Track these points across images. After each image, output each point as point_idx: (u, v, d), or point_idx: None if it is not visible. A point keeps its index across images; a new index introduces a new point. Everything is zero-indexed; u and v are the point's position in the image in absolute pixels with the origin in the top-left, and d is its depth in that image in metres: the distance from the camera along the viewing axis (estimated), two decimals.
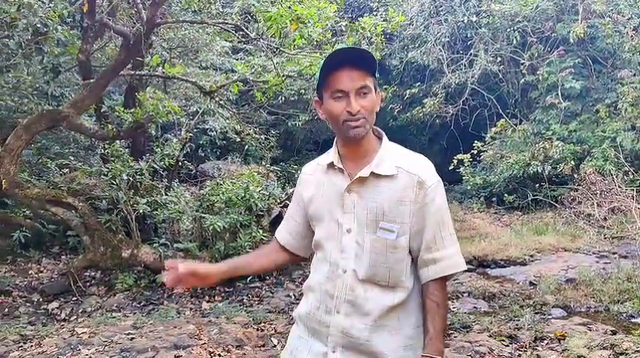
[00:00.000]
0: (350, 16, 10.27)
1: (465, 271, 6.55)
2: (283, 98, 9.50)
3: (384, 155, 1.54)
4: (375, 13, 9.78)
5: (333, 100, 1.50)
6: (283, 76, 6.28)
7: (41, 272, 5.89)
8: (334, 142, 1.62)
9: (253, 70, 6.64)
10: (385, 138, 1.60)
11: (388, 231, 1.49)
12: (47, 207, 5.41)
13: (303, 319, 1.62)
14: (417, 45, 11.22)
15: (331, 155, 1.61)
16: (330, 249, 1.57)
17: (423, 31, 11.14)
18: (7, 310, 4.90)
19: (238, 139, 8.97)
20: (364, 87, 1.47)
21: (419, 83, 11.66)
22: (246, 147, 9.39)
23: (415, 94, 11.28)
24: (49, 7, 5.46)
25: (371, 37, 5.85)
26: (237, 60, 8.17)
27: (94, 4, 5.27)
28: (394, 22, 6.27)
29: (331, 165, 1.60)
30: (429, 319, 1.48)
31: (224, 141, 9.51)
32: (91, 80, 5.72)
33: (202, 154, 10.03)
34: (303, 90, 9.68)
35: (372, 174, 1.52)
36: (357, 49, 1.51)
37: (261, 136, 9.03)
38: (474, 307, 5.32)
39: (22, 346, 3.90)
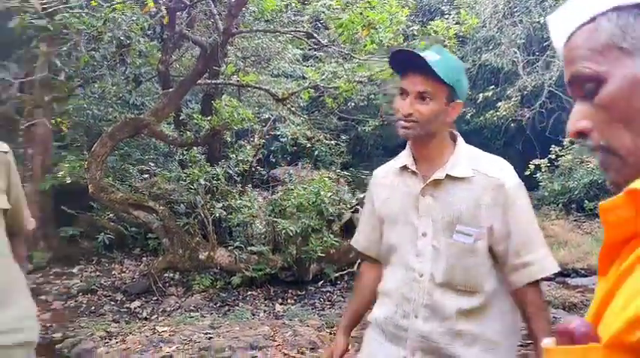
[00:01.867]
0: (421, 19, 10.17)
1: (544, 280, 6.35)
2: (353, 103, 9.53)
3: (460, 157, 1.52)
4: (446, 16, 9.65)
5: (399, 96, 1.51)
6: (354, 81, 6.32)
7: (124, 272, 6.19)
8: (407, 145, 1.62)
9: (324, 77, 6.72)
10: (461, 140, 1.58)
11: (465, 234, 1.47)
12: (130, 211, 5.68)
13: (379, 323, 1.62)
14: (490, 47, 10.96)
15: (404, 158, 1.60)
16: (405, 252, 1.56)
17: (497, 32, 10.87)
18: (93, 308, 5.18)
19: (309, 145, 9.08)
20: (425, 92, 1.45)
21: (493, 86, 11.36)
22: (316, 152, 9.48)
23: (489, 98, 11.01)
24: (132, 20, 5.76)
25: (443, 41, 5.77)
26: (307, 67, 8.30)
27: (175, 16, 5.50)
28: (467, 24, 6.16)
29: (404, 168, 1.59)
30: (533, 327, 1.44)
31: (294, 147, 9.65)
32: (170, 89, 5.98)
33: (273, 160, 10.23)
34: (373, 96, 9.68)
35: (447, 176, 1.50)
36: (429, 56, 1.46)
37: (332, 142, 9.10)
38: (554, 317, 5.11)
39: (107, 342, 4.12)
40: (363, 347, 1.69)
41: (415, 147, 1.57)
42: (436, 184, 1.51)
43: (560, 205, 10.00)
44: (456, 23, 6.48)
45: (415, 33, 5.93)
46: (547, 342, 0.61)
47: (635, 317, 0.53)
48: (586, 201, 9.49)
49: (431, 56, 1.46)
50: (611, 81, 0.64)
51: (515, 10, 10.85)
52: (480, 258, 1.47)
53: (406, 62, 1.49)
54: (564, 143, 10.11)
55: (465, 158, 1.52)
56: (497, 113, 10.87)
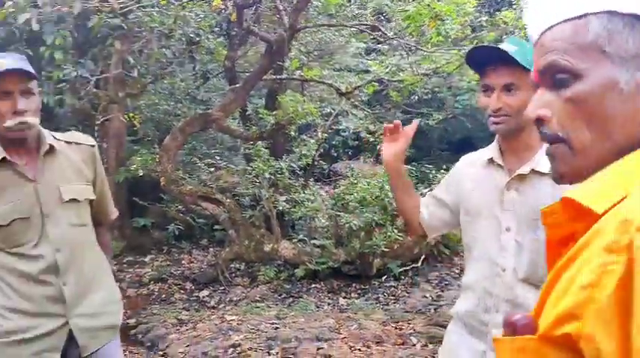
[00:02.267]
0: (488, 10, 9.91)
1: None
2: (417, 97, 9.42)
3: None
4: (514, 6, 9.36)
5: (483, 94, 1.51)
6: (419, 74, 6.24)
7: (192, 262, 6.39)
8: (495, 138, 1.60)
9: (388, 70, 6.67)
10: None
11: None
12: (198, 203, 5.86)
13: (461, 317, 1.62)
14: None
15: (492, 150, 1.59)
16: (488, 246, 1.54)
17: None
18: (164, 296, 5.38)
19: (371, 139, 9.05)
20: (511, 84, 1.44)
21: None
22: (379, 146, 9.43)
23: None
24: (201, 17, 5.91)
25: (513, 32, 5.61)
26: (370, 60, 8.26)
27: (242, 13, 5.61)
28: None
29: (491, 161, 1.57)
30: None
31: (356, 142, 9.64)
32: (237, 85, 6.10)
33: (335, 154, 10.25)
34: (437, 88, 9.52)
35: (533, 171, 1.47)
36: (506, 47, 1.46)
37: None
38: None
39: (179, 329, 4.27)
40: (445, 340, 1.69)
41: (504, 141, 1.57)
42: (521, 178, 1.49)
43: None
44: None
45: (483, 24, 5.79)
46: (496, 333, 0.68)
47: (562, 314, 0.59)
48: None
49: (508, 47, 1.45)
50: (586, 79, 0.67)
51: None
52: None
53: (484, 57, 1.50)
54: None
55: None
56: None
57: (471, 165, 1.66)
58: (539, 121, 0.72)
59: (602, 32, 0.67)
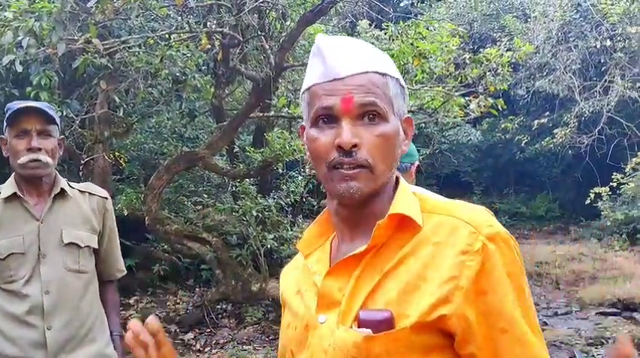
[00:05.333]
0: (471, 47, 10.08)
1: (609, 315, 6.02)
2: None
3: None
4: (498, 43, 9.54)
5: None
6: None
7: (178, 303, 6.25)
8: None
9: None
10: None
11: None
12: (184, 242, 5.77)
13: None
14: (544, 73, 10.73)
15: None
16: None
17: (551, 58, 10.64)
18: None
19: None
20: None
21: (547, 112, 11.09)
22: None
23: (544, 125, 10.73)
24: (187, 57, 5.94)
25: (497, 69, 5.67)
26: None
27: (229, 52, 5.64)
28: (522, 51, 6.05)
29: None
30: None
31: None
32: (224, 123, 6.10)
33: (323, 191, 10.23)
34: (423, 124, 9.58)
35: None
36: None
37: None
38: None
39: None
40: None
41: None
42: None
43: (623, 235, 9.54)
44: (508, 50, 6.37)
45: (467, 61, 5.86)
46: (366, 331, 0.81)
47: (436, 301, 0.80)
48: None
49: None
50: (388, 124, 0.88)
51: (570, 35, 10.61)
52: None
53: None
54: (626, 170, 9.69)
55: None
56: (554, 140, 10.56)
57: None
58: (353, 146, 0.86)
59: (394, 92, 0.90)
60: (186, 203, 7.32)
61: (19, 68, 4.21)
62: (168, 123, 7.24)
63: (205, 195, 7.78)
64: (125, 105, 6.10)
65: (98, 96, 5.84)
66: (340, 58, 0.89)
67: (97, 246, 1.97)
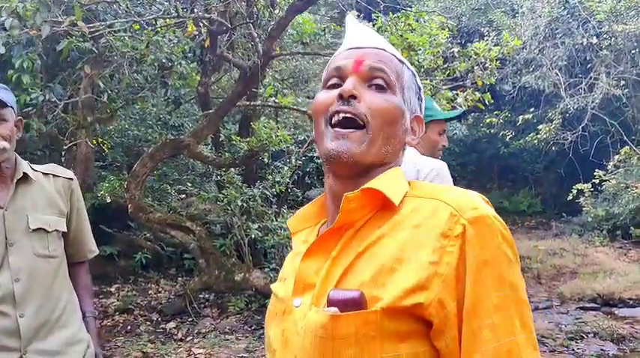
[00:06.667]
0: (459, 41, 10.09)
1: (589, 310, 6.10)
2: None
3: None
4: (485, 38, 9.56)
5: None
6: None
7: (159, 292, 6.20)
8: None
9: None
10: None
11: None
12: (167, 231, 5.72)
13: None
14: (531, 69, 10.77)
15: None
16: None
17: (538, 54, 10.69)
18: (129, 327, 5.19)
19: None
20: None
21: (533, 108, 11.15)
22: None
23: (529, 120, 10.79)
24: (174, 43, 5.86)
25: (484, 63, 5.68)
26: None
27: (216, 39, 5.57)
28: (509, 46, 6.06)
29: None
30: None
31: None
32: (210, 111, 6.03)
33: (309, 181, 10.21)
34: None
35: None
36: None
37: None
38: (602, 349, 4.89)
39: None
40: None
41: None
42: None
43: (604, 231, 9.65)
44: (496, 45, 6.38)
45: (455, 54, 5.85)
46: (333, 309, 0.77)
47: (411, 288, 0.76)
48: (632, 227, 9.13)
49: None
50: (396, 97, 0.90)
51: (557, 31, 10.66)
52: None
53: None
54: (608, 167, 9.80)
55: None
56: (538, 136, 10.63)
57: None
58: (352, 97, 0.86)
59: (408, 82, 0.93)
60: (169, 191, 7.24)
61: (2, 49, 4.11)
62: (153, 110, 7.16)
63: (189, 184, 7.71)
64: (109, 91, 6.01)
65: (82, 81, 5.74)
66: (362, 34, 0.95)
67: (65, 230, 1.92)
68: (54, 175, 1.94)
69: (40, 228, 1.83)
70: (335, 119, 0.87)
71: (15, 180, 1.82)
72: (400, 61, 0.93)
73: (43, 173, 1.92)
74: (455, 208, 0.80)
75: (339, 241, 0.85)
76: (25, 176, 1.84)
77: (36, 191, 1.87)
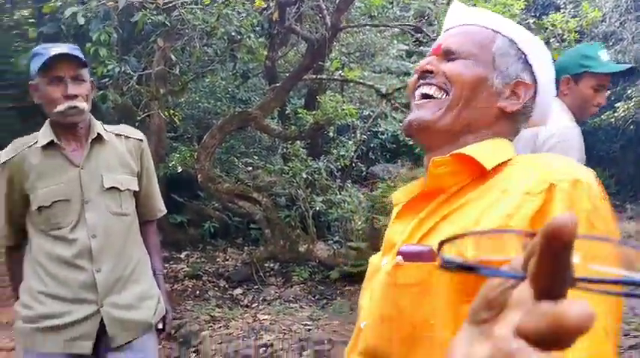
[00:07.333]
0: (533, 14, 9.66)
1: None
2: None
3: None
4: (562, 10, 9.10)
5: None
6: None
7: (227, 260, 6.39)
8: None
9: None
10: None
11: None
12: (235, 201, 5.85)
13: None
14: (610, 43, 10.20)
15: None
16: None
17: (619, 27, 10.09)
18: (198, 292, 5.39)
19: (410, 143, 8.92)
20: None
21: (610, 85, 10.58)
22: (417, 149, 9.29)
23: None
24: (243, 16, 5.92)
25: (562, 34, 5.42)
26: (412, 64, 8.14)
27: (285, 12, 5.59)
28: (588, 18, 5.74)
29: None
30: None
31: (394, 145, 9.52)
32: (277, 84, 6.08)
33: (373, 157, 10.16)
34: None
35: None
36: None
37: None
38: None
39: (212, 326, 4.26)
40: None
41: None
42: None
43: None
44: (573, 17, 6.07)
45: (531, 26, 5.61)
46: (398, 258, 0.79)
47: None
48: None
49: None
50: (478, 64, 0.90)
51: None
52: None
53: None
54: None
55: None
56: (615, 114, 10.10)
57: None
58: (428, 72, 0.91)
59: (501, 49, 0.92)
60: (237, 164, 7.40)
61: (81, 20, 4.29)
62: (222, 84, 7.31)
63: (256, 157, 7.85)
64: (181, 64, 6.17)
65: (155, 54, 5.92)
66: (453, 14, 1.00)
67: (137, 189, 1.98)
68: (125, 136, 2.00)
69: (114, 187, 1.89)
70: (417, 94, 0.93)
71: (90, 140, 1.89)
72: (493, 30, 0.94)
73: (115, 134, 1.98)
74: (547, 171, 0.77)
75: (429, 206, 0.86)
76: (99, 136, 1.91)
77: (109, 151, 1.93)
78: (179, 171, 6.17)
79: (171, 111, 6.56)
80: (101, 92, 5.56)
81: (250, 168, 7.58)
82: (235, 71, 7.46)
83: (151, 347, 1.99)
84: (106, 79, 5.46)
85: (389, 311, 0.84)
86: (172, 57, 5.94)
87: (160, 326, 2.04)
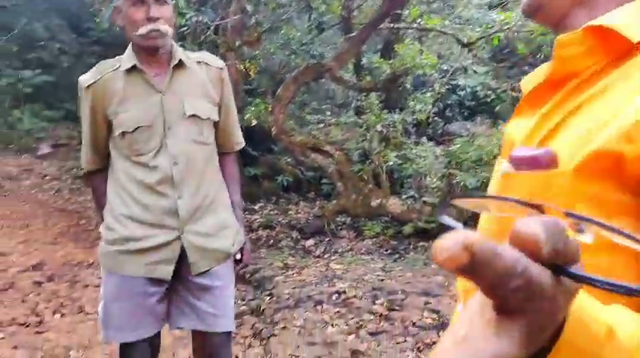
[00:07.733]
0: None
1: None
2: (543, 55, 8.72)
3: None
4: None
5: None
6: None
7: (299, 213, 6.43)
8: None
9: (515, 21, 6.15)
10: None
11: None
12: (308, 154, 5.83)
13: None
14: None
15: None
16: None
17: None
18: (272, 242, 5.46)
19: (489, 99, 8.53)
20: None
21: None
22: (497, 108, 8.89)
23: None
24: None
25: None
26: (494, 15, 7.70)
27: None
28: None
29: None
30: None
31: (473, 102, 9.16)
32: (352, 34, 5.92)
33: (450, 114, 9.83)
34: None
35: None
36: None
37: (519, 94, 8.46)
38: None
39: (285, 272, 4.29)
40: None
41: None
42: None
43: None
44: None
45: None
46: (506, 168, 0.65)
47: (616, 137, 0.55)
48: None
49: None
50: None
51: None
52: None
53: None
54: None
55: None
56: None
57: None
58: None
59: None
60: (309, 120, 7.36)
61: None
62: (297, 35, 7.21)
63: (328, 113, 7.78)
64: (256, 15, 6.12)
65: (231, 5, 5.89)
66: None
67: (217, 118, 1.93)
68: (206, 64, 1.93)
69: (195, 115, 1.85)
70: None
71: (172, 66, 1.83)
72: None
73: (196, 61, 1.92)
74: None
75: (554, 96, 0.68)
76: (181, 62, 1.85)
77: (190, 78, 1.87)
78: (253, 124, 6.19)
79: (247, 64, 6.56)
80: (180, 42, 5.63)
81: (322, 125, 7.52)
82: (310, 23, 7.35)
83: (229, 277, 1.98)
84: (184, 29, 5.50)
85: (496, 229, 0.69)
86: (248, 7, 5.90)
87: (238, 256, 2.02)
